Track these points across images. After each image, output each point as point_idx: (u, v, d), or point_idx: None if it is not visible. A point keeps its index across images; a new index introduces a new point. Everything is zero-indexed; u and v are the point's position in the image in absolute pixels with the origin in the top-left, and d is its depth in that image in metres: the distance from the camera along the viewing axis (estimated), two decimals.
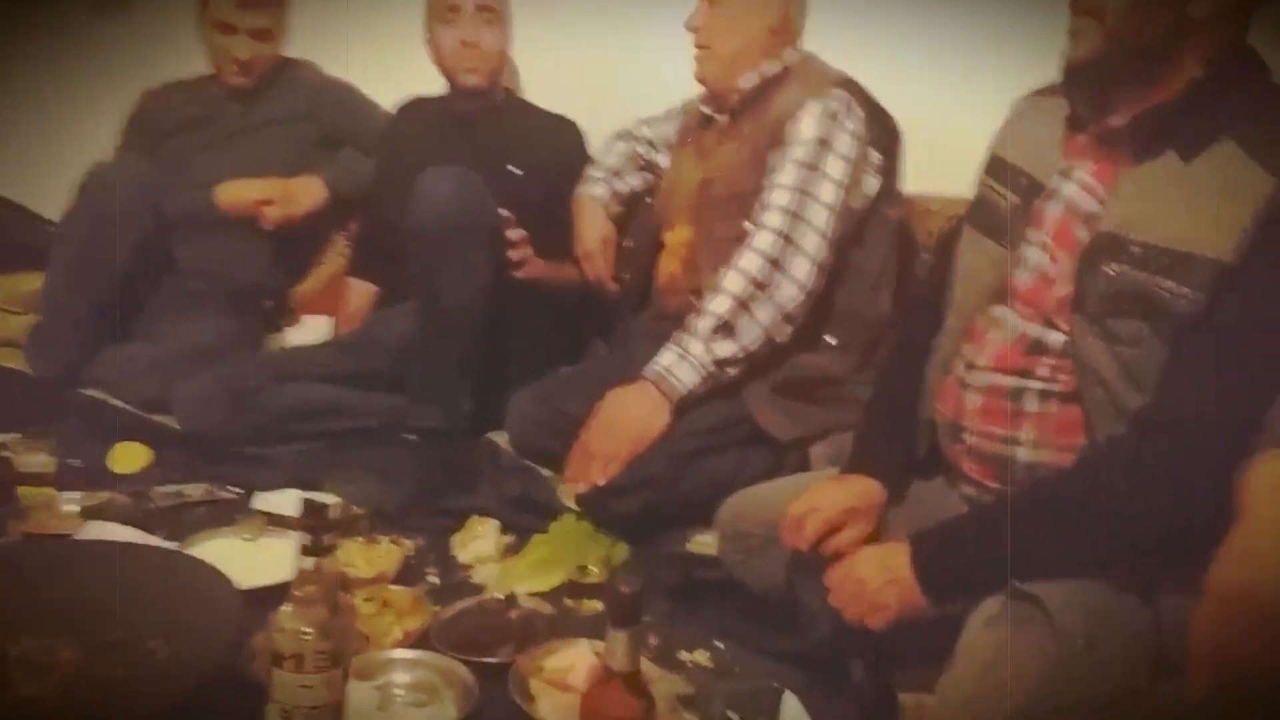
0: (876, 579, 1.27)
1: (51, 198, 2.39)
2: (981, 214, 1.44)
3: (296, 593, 1.06)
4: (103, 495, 1.76)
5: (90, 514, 1.68)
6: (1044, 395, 1.31)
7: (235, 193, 2.35)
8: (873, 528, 1.42)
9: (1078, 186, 1.31)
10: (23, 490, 1.55)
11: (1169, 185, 1.22)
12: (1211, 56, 1.23)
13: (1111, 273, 1.23)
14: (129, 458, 1.95)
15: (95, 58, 2.81)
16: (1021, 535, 1.23)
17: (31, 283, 2.40)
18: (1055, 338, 1.30)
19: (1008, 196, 1.39)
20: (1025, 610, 1.19)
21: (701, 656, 1.45)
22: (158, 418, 2.10)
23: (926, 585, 1.25)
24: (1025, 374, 1.32)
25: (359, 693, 1.26)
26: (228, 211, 2.35)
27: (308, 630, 1.05)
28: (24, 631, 1.20)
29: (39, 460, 1.79)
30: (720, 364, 1.76)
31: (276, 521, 1.70)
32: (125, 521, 1.68)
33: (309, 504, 1.06)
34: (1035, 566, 1.21)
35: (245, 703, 1.16)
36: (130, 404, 2.15)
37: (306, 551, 1.06)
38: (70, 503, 1.70)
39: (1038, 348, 1.32)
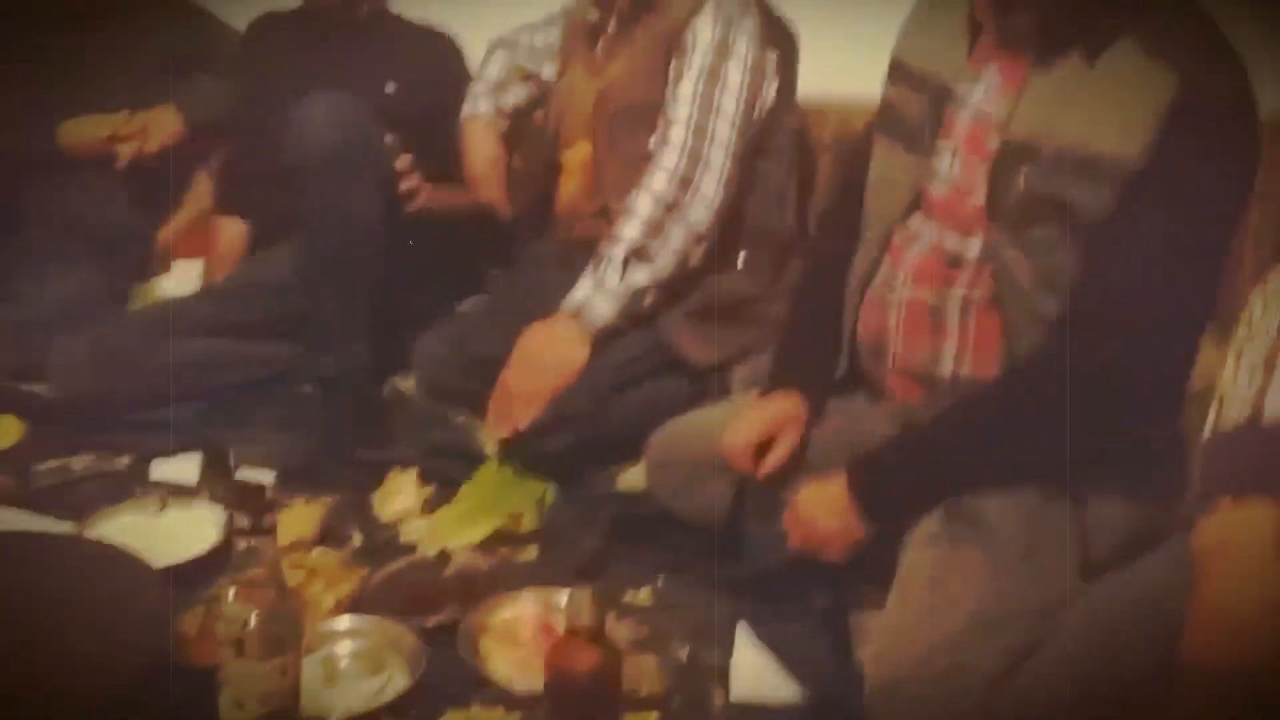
0: (821, 513, 1.29)
1: None
2: (889, 122, 1.41)
3: (240, 577, 1.00)
4: None
5: None
6: (965, 305, 1.31)
7: (80, 131, 2.14)
8: (799, 437, 1.43)
9: (984, 91, 1.29)
10: None
11: (1075, 87, 1.22)
12: None
13: (1024, 179, 1.23)
14: None
15: None
16: (955, 451, 1.27)
17: None
18: (974, 246, 1.30)
19: (915, 103, 1.36)
20: (963, 526, 1.23)
21: (645, 595, 1.45)
22: (26, 386, 1.94)
23: (866, 510, 1.27)
24: (945, 285, 1.32)
25: (304, 667, 1.20)
26: (74, 153, 2.15)
27: (255, 616, 0.99)
28: None
29: None
30: (637, 292, 1.72)
31: (179, 490, 1.60)
32: (8, 503, 1.55)
33: (243, 485, 0.99)
34: (968, 480, 1.24)
35: (188, 690, 1.10)
36: None
37: (246, 534, 0.99)
38: None
39: (956, 260, 1.32)
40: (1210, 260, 1.23)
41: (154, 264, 2.34)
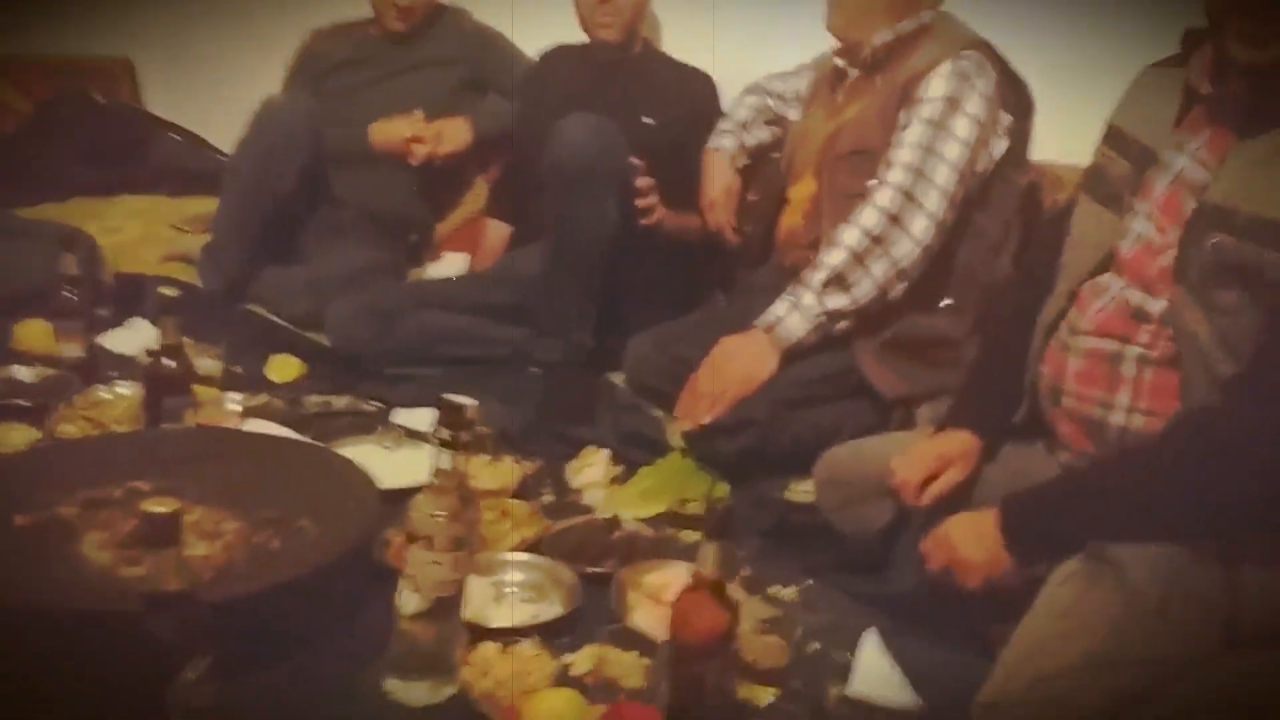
0: (967, 541, 1.33)
1: (224, 130, 2.61)
2: (1096, 182, 1.46)
3: (433, 481, 1.19)
4: (261, 398, 1.96)
5: (250, 413, 1.87)
6: (1142, 361, 1.34)
7: (388, 131, 2.51)
8: (968, 472, 1.48)
9: (1189, 158, 1.33)
10: (195, 387, 1.75)
11: (1278, 158, 1.23)
12: None
13: (1215, 243, 1.25)
14: (284, 368, 2.15)
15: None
16: (1107, 499, 1.28)
17: (203, 206, 2.63)
18: (1157, 305, 1.33)
19: (1120, 165, 1.41)
20: (1101, 568, 1.23)
21: (790, 592, 1.53)
22: (311, 334, 2.30)
23: (1013, 546, 1.30)
24: (1125, 340, 1.35)
25: (478, 587, 1.40)
26: (380, 148, 2.52)
27: (440, 513, 1.18)
28: (197, 503, 1.39)
29: (208, 364, 2.00)
30: (831, 315, 1.82)
31: (413, 434, 1.86)
32: (280, 423, 1.86)
33: (448, 402, 1.18)
34: (1119, 530, 1.25)
35: (379, 581, 1.32)
36: (287, 320, 2.36)
37: (444, 445, 1.19)
38: (233, 402, 1.90)
39: (1139, 315, 1.34)
40: None
41: (429, 252, 2.69)
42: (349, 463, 1.54)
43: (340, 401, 2.03)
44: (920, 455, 1.51)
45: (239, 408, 1.87)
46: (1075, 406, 1.41)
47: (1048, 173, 2.08)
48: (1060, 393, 1.42)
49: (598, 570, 1.49)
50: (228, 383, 1.98)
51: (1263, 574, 1.23)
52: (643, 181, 2.19)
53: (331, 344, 2.23)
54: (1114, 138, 1.46)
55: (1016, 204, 1.97)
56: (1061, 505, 1.32)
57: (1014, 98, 1.91)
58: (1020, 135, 1.93)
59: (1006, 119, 1.90)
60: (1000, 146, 1.91)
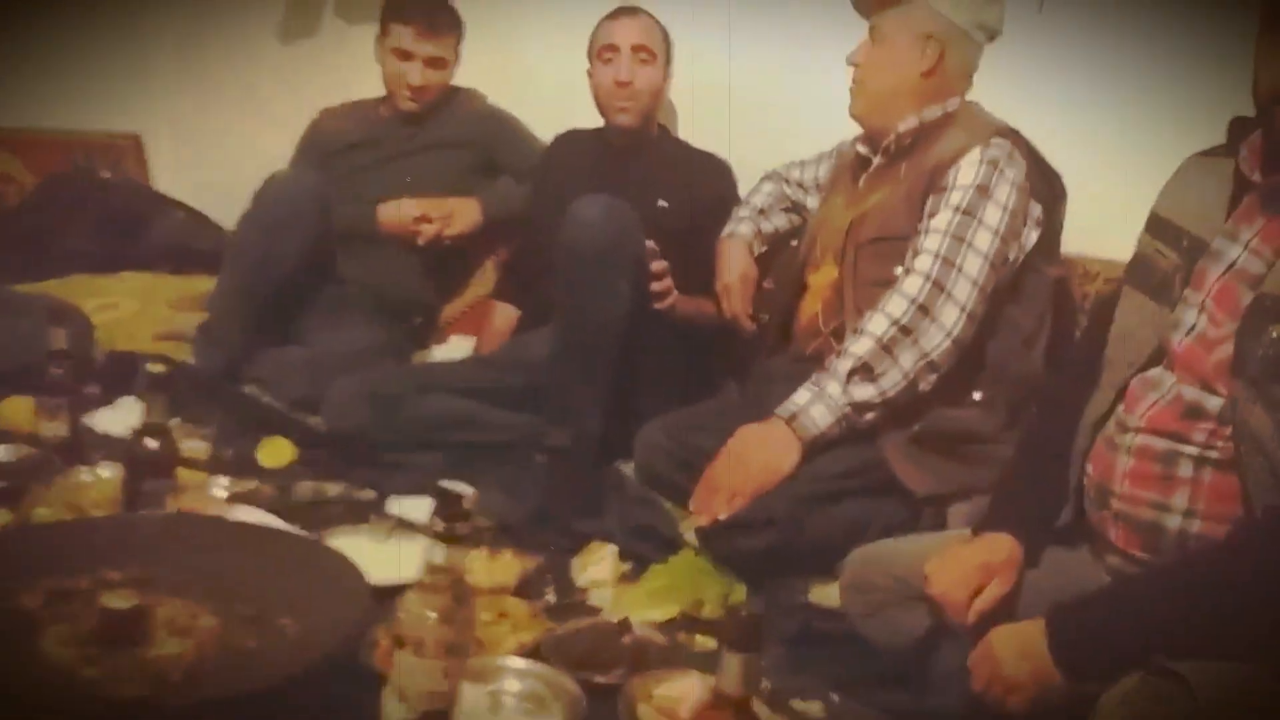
0: (1013, 657, 1.23)
1: (231, 209, 2.56)
2: (1141, 273, 1.41)
3: (425, 578, 1.08)
4: (250, 483, 1.86)
5: (237, 499, 1.77)
6: (1199, 462, 1.27)
7: (396, 210, 2.47)
8: (1012, 584, 1.38)
9: (1243, 248, 1.28)
10: (180, 470, 1.65)
11: None
12: None
13: (1275, 335, 1.18)
14: (276, 453, 2.05)
15: (276, 76, 3.02)
16: (1169, 611, 1.18)
17: (205, 285, 2.57)
18: (1214, 402, 1.26)
19: (1168, 256, 1.36)
20: (1165, 688, 1.11)
21: (815, 707, 1.42)
22: (306, 418, 2.21)
23: (1063, 663, 1.20)
24: (1180, 438, 1.28)
25: (472, 695, 1.28)
26: (387, 228, 2.47)
27: (432, 613, 1.07)
28: (172, 595, 1.28)
29: (196, 446, 1.90)
30: (857, 407, 1.73)
31: (407, 525, 1.75)
32: (268, 510, 1.76)
33: (444, 491, 1.08)
34: (1180, 646, 1.13)
35: (363, 688, 1.20)
36: (282, 403, 2.27)
37: (439, 537, 1.09)
38: (219, 487, 1.79)
39: (1194, 412, 1.27)
40: None
41: (434, 334, 2.62)
42: (337, 555, 1.43)
43: (333, 489, 1.93)
44: (959, 563, 1.40)
45: (225, 493, 1.77)
46: (1127, 509, 1.32)
47: (1078, 265, 2.02)
48: (1109, 494, 1.34)
49: (604, 680, 1.37)
50: (215, 466, 1.89)
51: None
52: (658, 264, 2.12)
53: (328, 426, 2.14)
54: (1160, 227, 1.40)
55: (1048, 296, 1.91)
56: (1117, 616, 1.21)
57: (1044, 187, 1.86)
58: (1051, 226, 1.88)
59: (1037, 209, 1.84)
60: (1031, 237, 1.85)
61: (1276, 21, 1.22)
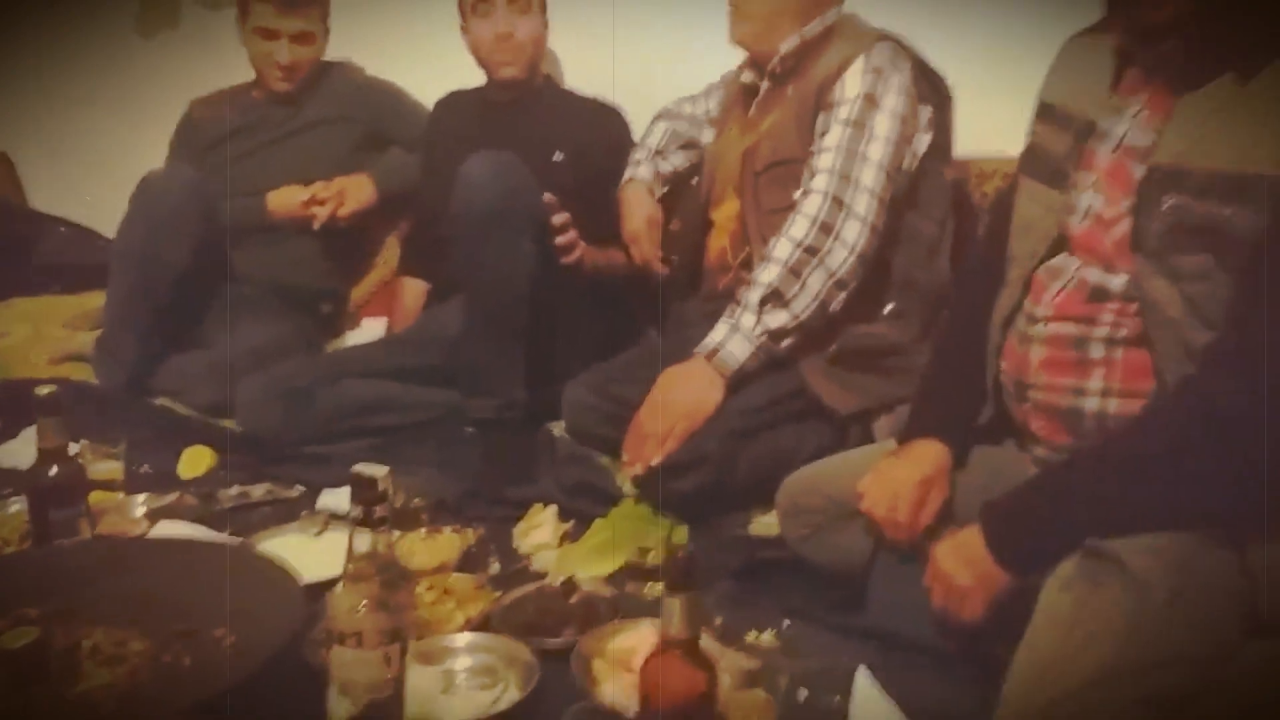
0: (958, 566, 1.24)
1: (114, 216, 2.44)
2: (1035, 162, 1.40)
3: (349, 567, 1.05)
4: (171, 497, 1.79)
5: (158, 515, 1.71)
6: (1110, 342, 1.27)
7: (286, 196, 2.38)
8: (948, 491, 1.40)
9: (1130, 123, 1.27)
10: (94, 496, 1.58)
11: (1226, 109, 1.17)
12: None
13: (1170, 205, 1.19)
14: (195, 462, 1.98)
15: (142, 73, 2.88)
16: (1096, 492, 1.19)
17: (98, 301, 2.46)
18: (1117, 281, 1.26)
19: (1060, 141, 1.35)
20: (1101, 567, 1.14)
21: (769, 637, 1.42)
22: (221, 422, 2.13)
23: (1003, 559, 1.22)
24: (1089, 321, 1.28)
25: (422, 677, 1.25)
26: (279, 216, 2.39)
27: (362, 604, 1.04)
28: (96, 625, 1.23)
29: (108, 467, 1.82)
30: (773, 335, 1.73)
31: (339, 517, 1.71)
32: (193, 521, 1.70)
33: (358, 477, 1.04)
34: (1113, 524, 1.16)
35: (311, 688, 1.16)
36: (194, 409, 2.19)
37: (359, 524, 1.05)
38: (140, 505, 1.73)
39: (1100, 293, 1.28)
40: None
41: (346, 321, 2.55)
42: (266, 559, 1.39)
43: (258, 490, 1.87)
44: (891, 479, 1.41)
45: (144, 510, 1.71)
46: (1045, 398, 1.33)
47: (972, 166, 2.03)
48: (1027, 386, 1.35)
49: (556, 643, 1.35)
50: (132, 484, 1.80)
51: (1278, 550, 1.14)
52: (559, 218, 2.08)
53: (242, 428, 2.07)
54: (1047, 114, 1.40)
55: (947, 201, 1.91)
56: (1046, 504, 1.23)
57: (930, 90, 1.86)
58: (942, 128, 1.88)
59: (926, 111, 1.84)
60: (923, 141, 1.85)
61: None
